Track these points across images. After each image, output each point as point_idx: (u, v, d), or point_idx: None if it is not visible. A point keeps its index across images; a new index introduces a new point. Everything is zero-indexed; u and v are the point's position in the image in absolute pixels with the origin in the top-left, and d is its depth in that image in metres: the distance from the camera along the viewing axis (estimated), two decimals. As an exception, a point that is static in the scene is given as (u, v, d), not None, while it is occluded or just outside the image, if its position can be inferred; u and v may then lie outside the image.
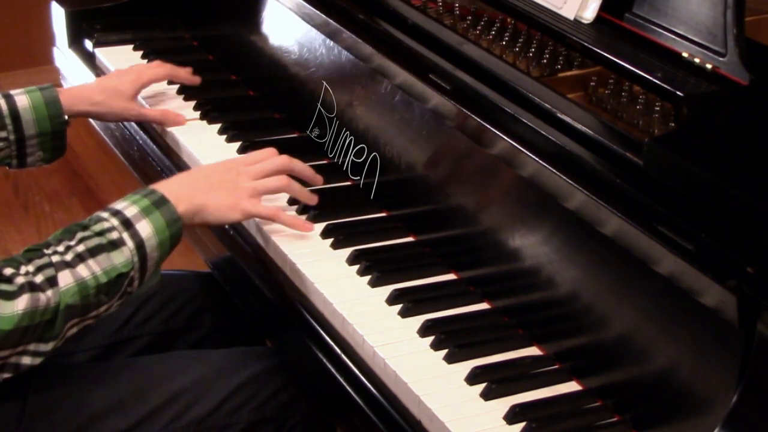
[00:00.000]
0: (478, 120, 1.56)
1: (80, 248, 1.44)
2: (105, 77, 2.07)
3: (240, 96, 2.17)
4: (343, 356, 1.49)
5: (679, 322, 1.29)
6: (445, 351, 1.46)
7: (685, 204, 1.30)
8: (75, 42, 2.37)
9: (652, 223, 1.30)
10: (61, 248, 1.44)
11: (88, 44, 2.34)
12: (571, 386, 1.43)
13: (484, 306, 1.57)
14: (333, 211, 1.75)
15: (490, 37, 1.74)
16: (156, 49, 2.30)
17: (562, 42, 1.67)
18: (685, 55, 1.55)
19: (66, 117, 1.87)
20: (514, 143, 1.50)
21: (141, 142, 2.08)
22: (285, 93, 2.06)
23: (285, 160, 1.70)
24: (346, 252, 1.65)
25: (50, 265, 1.41)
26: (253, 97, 2.17)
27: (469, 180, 1.62)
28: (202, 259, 1.86)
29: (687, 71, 1.52)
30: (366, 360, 1.48)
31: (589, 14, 1.67)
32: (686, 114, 1.43)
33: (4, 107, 1.81)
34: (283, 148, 1.95)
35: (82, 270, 1.43)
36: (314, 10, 1.92)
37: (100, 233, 1.46)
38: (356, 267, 1.62)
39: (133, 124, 2.09)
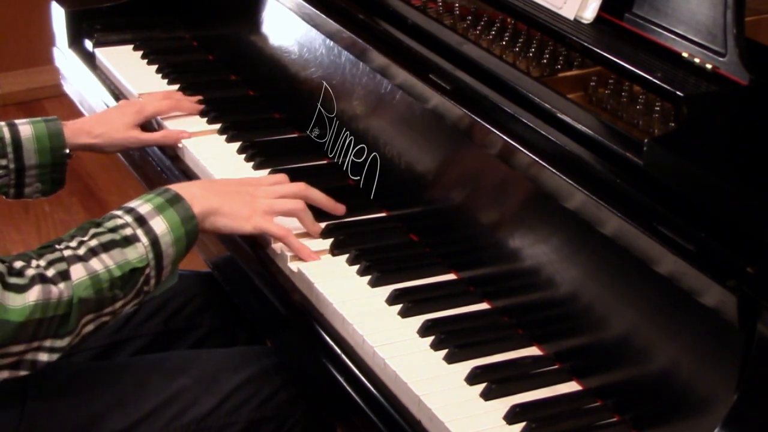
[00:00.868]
0: (478, 120, 1.56)
1: (93, 243, 1.44)
2: (108, 109, 2.07)
3: (240, 96, 2.17)
4: (343, 356, 1.49)
5: (679, 322, 1.29)
6: (445, 351, 1.46)
7: (685, 204, 1.30)
8: (75, 42, 2.37)
9: (652, 223, 1.30)
10: (73, 243, 1.44)
11: (88, 44, 2.34)
12: (571, 386, 1.43)
13: (484, 306, 1.57)
14: (333, 211, 1.75)
15: (490, 37, 1.74)
16: (156, 49, 2.30)
17: (562, 42, 1.67)
18: (685, 55, 1.55)
19: (67, 150, 1.86)
20: (514, 143, 1.50)
21: (141, 142, 2.07)
22: (285, 93, 2.06)
23: (303, 186, 1.69)
24: (346, 252, 1.65)
25: (62, 259, 1.41)
26: (253, 97, 2.17)
27: (469, 180, 1.62)
28: (202, 259, 1.86)
29: (687, 71, 1.52)
30: (366, 360, 1.48)
31: (589, 14, 1.67)
32: (686, 114, 1.43)
33: (7, 136, 1.81)
34: (283, 148, 1.96)
35: (95, 263, 1.42)
36: (314, 10, 1.92)
37: (113, 229, 1.46)
38: (356, 267, 1.62)
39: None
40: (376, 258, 1.64)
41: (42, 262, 1.40)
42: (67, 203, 3.47)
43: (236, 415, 1.61)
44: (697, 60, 1.53)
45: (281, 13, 2.05)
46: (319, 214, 1.73)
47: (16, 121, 1.83)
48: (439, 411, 1.36)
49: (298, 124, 2.02)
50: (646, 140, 1.35)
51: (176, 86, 2.16)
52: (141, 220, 1.48)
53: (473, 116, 1.56)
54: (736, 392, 1.19)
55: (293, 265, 1.63)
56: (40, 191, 1.88)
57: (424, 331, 1.50)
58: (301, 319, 1.58)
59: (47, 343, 1.40)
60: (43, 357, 1.41)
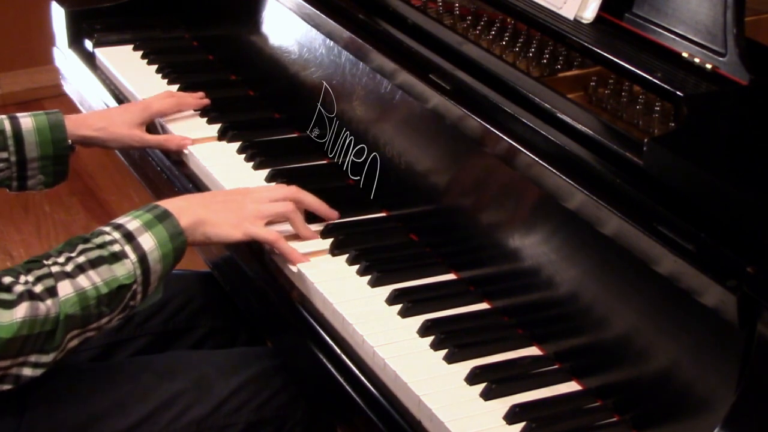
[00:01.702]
0: (478, 120, 1.56)
1: (81, 259, 1.44)
2: (113, 107, 2.07)
3: (240, 96, 2.17)
4: (343, 356, 1.49)
5: (679, 322, 1.29)
6: (445, 351, 1.46)
7: (685, 204, 1.30)
8: (75, 42, 2.37)
9: (652, 223, 1.30)
10: (61, 259, 1.44)
11: (88, 44, 2.34)
12: (571, 386, 1.43)
13: (484, 306, 1.57)
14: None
15: (490, 37, 1.74)
16: (156, 49, 2.30)
17: (562, 42, 1.67)
18: (685, 55, 1.55)
19: (69, 142, 1.86)
20: (514, 143, 1.50)
21: (141, 142, 2.07)
22: (285, 93, 2.06)
23: (294, 190, 1.69)
24: (346, 252, 1.65)
25: (50, 275, 1.41)
26: (253, 97, 2.17)
27: (469, 180, 1.62)
28: (202, 259, 1.86)
29: (687, 71, 1.52)
30: (366, 360, 1.48)
31: (589, 14, 1.67)
32: (686, 114, 1.43)
33: (8, 128, 1.81)
34: (283, 148, 1.96)
35: (83, 280, 1.42)
36: (314, 10, 1.92)
37: (102, 246, 1.46)
38: (356, 267, 1.62)
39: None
40: (376, 258, 1.64)
41: (30, 278, 1.40)
42: (67, 203, 3.47)
43: (236, 415, 1.61)
44: (697, 60, 1.53)
45: (281, 13, 2.05)
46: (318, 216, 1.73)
47: (18, 114, 1.83)
48: (439, 411, 1.36)
49: (298, 124, 2.02)
50: (646, 140, 1.35)
51: (176, 86, 2.16)
52: (129, 237, 1.48)
53: (473, 116, 1.56)
54: (736, 392, 1.19)
55: (293, 266, 1.63)
56: (42, 183, 1.88)
57: (424, 331, 1.49)
58: (301, 319, 1.58)
59: (32, 358, 1.40)
60: (27, 372, 1.41)
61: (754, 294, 1.19)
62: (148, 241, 1.48)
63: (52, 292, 1.40)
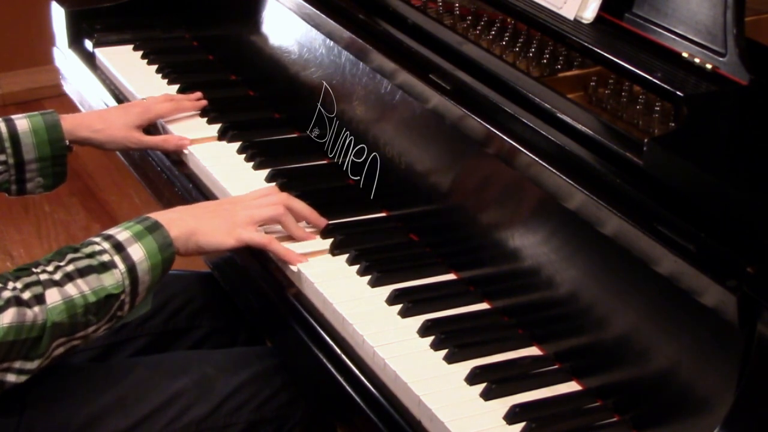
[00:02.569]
0: (478, 120, 1.56)
1: (69, 268, 1.44)
2: (111, 107, 2.07)
3: (240, 96, 2.17)
4: (343, 356, 1.49)
5: (679, 322, 1.29)
6: (445, 351, 1.46)
7: (685, 204, 1.30)
8: (75, 42, 2.37)
9: (652, 223, 1.30)
10: (50, 268, 1.44)
11: (88, 44, 2.34)
12: (571, 386, 1.43)
13: (484, 306, 1.57)
14: (333, 211, 1.75)
15: (490, 37, 1.74)
16: (156, 49, 2.30)
17: (562, 42, 1.67)
18: (685, 55, 1.55)
19: (67, 142, 1.86)
20: (514, 143, 1.50)
21: (141, 142, 2.07)
22: (285, 93, 2.06)
23: (284, 196, 1.69)
24: (346, 252, 1.65)
25: (38, 282, 1.41)
26: (253, 97, 2.17)
27: (469, 180, 1.62)
28: (202, 259, 1.86)
29: (687, 71, 1.52)
30: (366, 360, 1.48)
31: (589, 14, 1.67)
32: (686, 114, 1.43)
33: (4, 131, 1.80)
34: (283, 148, 1.96)
35: (70, 288, 1.42)
36: (314, 10, 1.92)
37: (91, 255, 1.46)
38: (356, 267, 1.62)
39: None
40: (376, 258, 1.64)
41: (18, 285, 1.40)
42: (67, 203, 3.47)
43: (236, 415, 1.61)
44: (697, 60, 1.53)
45: (281, 13, 2.05)
46: (319, 214, 1.73)
47: (13, 117, 1.83)
48: (439, 411, 1.36)
49: (298, 124, 2.02)
50: (646, 140, 1.35)
51: (176, 86, 2.16)
52: (119, 247, 1.48)
53: (473, 116, 1.56)
54: (736, 392, 1.19)
55: (292, 266, 1.63)
56: (42, 186, 1.88)
57: (424, 331, 1.49)
58: (301, 319, 1.58)
59: (17, 364, 1.40)
60: (11, 378, 1.40)
61: (754, 294, 1.19)
62: (137, 252, 1.48)
63: (39, 299, 1.40)
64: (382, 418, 1.41)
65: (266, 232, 1.66)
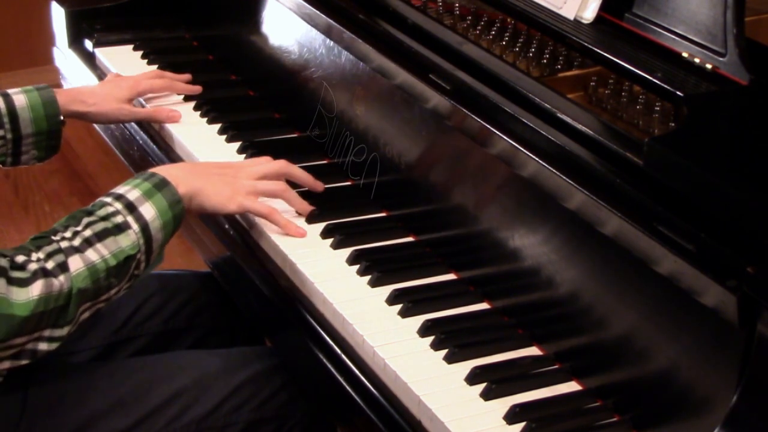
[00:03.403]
0: (478, 120, 1.56)
1: (87, 233, 1.46)
2: (102, 82, 2.09)
3: (240, 96, 2.17)
4: (343, 356, 1.49)
5: (679, 322, 1.29)
6: (445, 351, 1.46)
7: (685, 204, 1.30)
8: (75, 42, 2.37)
9: (652, 223, 1.30)
10: (68, 234, 1.46)
11: (88, 44, 2.34)
12: (571, 386, 1.43)
13: (484, 306, 1.57)
14: (333, 211, 1.75)
15: (490, 37, 1.74)
16: (156, 49, 2.30)
17: (562, 42, 1.67)
18: (685, 55, 1.55)
19: (62, 117, 1.88)
20: (514, 143, 1.50)
21: (141, 142, 2.08)
22: (285, 93, 2.06)
23: (283, 164, 1.73)
24: (346, 252, 1.65)
25: (60, 251, 1.43)
26: (253, 97, 2.17)
27: (469, 180, 1.62)
28: (202, 259, 1.86)
29: (687, 71, 1.52)
30: (366, 360, 1.48)
31: (589, 14, 1.67)
32: (686, 114, 1.43)
33: (2, 106, 1.83)
34: (283, 148, 1.96)
35: (91, 254, 1.45)
36: (314, 10, 1.92)
37: (105, 218, 1.48)
38: (356, 267, 1.62)
39: (133, 124, 2.09)
40: (376, 258, 1.64)
41: (41, 255, 1.42)
42: (67, 203, 3.47)
43: (236, 415, 1.61)
44: (697, 60, 1.53)
45: (281, 13, 2.05)
46: (319, 214, 1.73)
47: (9, 91, 1.85)
48: (439, 411, 1.36)
49: (298, 124, 2.02)
50: (646, 140, 1.35)
51: (176, 86, 2.16)
52: (131, 207, 1.50)
53: (473, 116, 1.56)
54: (736, 392, 1.19)
55: (293, 265, 1.63)
56: (36, 158, 1.91)
57: (424, 331, 1.49)
58: (301, 319, 1.58)
59: (47, 333, 1.43)
60: (43, 346, 1.43)
61: (754, 294, 1.19)
62: (149, 211, 1.51)
63: (63, 267, 1.42)
64: (382, 418, 1.41)
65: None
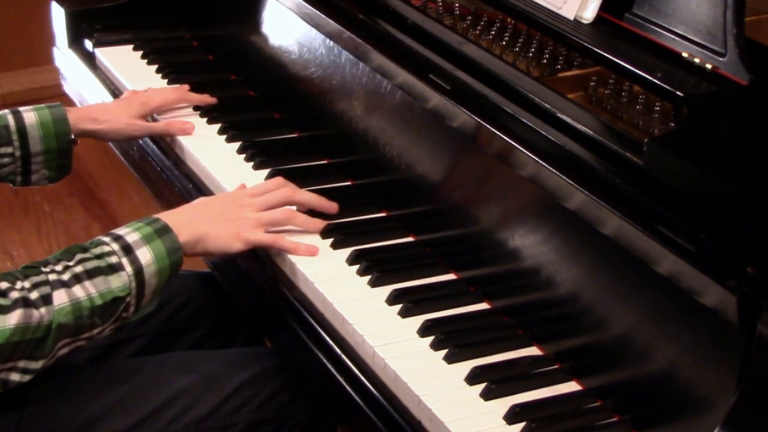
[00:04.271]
0: (478, 120, 1.56)
1: (78, 269, 1.44)
2: (115, 100, 2.08)
3: (240, 96, 2.17)
4: (343, 356, 1.49)
5: (679, 322, 1.29)
6: (445, 351, 1.46)
7: (685, 204, 1.30)
8: (75, 42, 2.37)
9: (652, 223, 1.30)
10: (59, 267, 1.44)
11: (88, 44, 2.34)
12: (571, 386, 1.43)
13: (484, 306, 1.57)
14: (333, 211, 1.75)
15: (490, 37, 1.74)
16: (156, 49, 2.30)
17: (562, 42, 1.67)
18: (685, 55, 1.54)
19: (72, 135, 1.87)
20: (514, 143, 1.50)
21: (141, 142, 2.08)
22: (285, 93, 2.06)
23: (289, 192, 1.70)
24: (346, 252, 1.65)
25: (46, 282, 1.41)
26: (253, 97, 2.17)
27: (469, 180, 1.62)
28: (202, 259, 1.86)
29: (687, 71, 1.52)
30: (366, 360, 1.48)
31: (589, 14, 1.67)
32: (686, 114, 1.43)
33: (12, 123, 1.81)
34: (283, 148, 1.96)
35: (78, 291, 1.43)
36: (314, 10, 1.92)
37: (100, 256, 1.46)
38: (356, 267, 1.62)
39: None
40: (376, 258, 1.64)
41: (27, 284, 1.40)
42: (67, 203, 3.47)
43: (236, 415, 1.61)
44: (697, 60, 1.53)
45: (281, 13, 2.05)
46: (319, 214, 1.73)
47: (20, 109, 1.84)
48: (439, 411, 1.36)
49: (298, 124, 2.02)
50: (646, 140, 1.35)
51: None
52: (127, 249, 1.48)
53: (473, 116, 1.56)
54: (736, 392, 1.19)
55: (293, 265, 1.63)
56: (46, 178, 1.89)
57: (424, 331, 1.49)
58: (301, 319, 1.58)
59: (21, 364, 1.41)
60: (15, 377, 1.41)
61: (754, 294, 1.19)
62: (145, 255, 1.49)
63: (47, 299, 1.40)
64: (382, 418, 1.41)
65: None
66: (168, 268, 1.51)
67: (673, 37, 1.57)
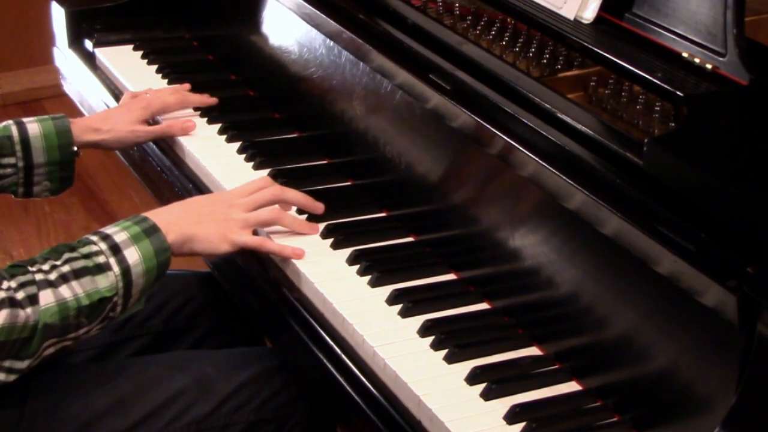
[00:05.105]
0: (478, 120, 1.56)
1: (65, 269, 1.44)
2: (114, 107, 2.07)
3: (240, 96, 2.17)
4: (343, 356, 1.49)
5: (679, 322, 1.29)
6: (445, 351, 1.46)
7: (685, 204, 1.30)
8: (75, 42, 2.37)
9: (652, 223, 1.30)
10: (46, 267, 1.44)
11: (88, 44, 2.34)
12: (571, 386, 1.43)
13: (484, 306, 1.57)
14: (333, 211, 1.75)
15: (490, 37, 1.74)
16: (156, 49, 2.30)
17: (562, 42, 1.67)
18: (685, 55, 1.54)
19: (75, 148, 1.87)
20: (514, 143, 1.50)
21: (141, 142, 2.08)
22: (285, 93, 2.06)
23: (277, 191, 1.69)
24: (346, 252, 1.65)
25: (33, 282, 1.41)
26: (253, 97, 2.17)
27: (469, 180, 1.62)
28: (202, 259, 1.86)
29: (687, 71, 1.52)
30: (366, 360, 1.48)
31: (589, 14, 1.67)
32: (686, 114, 1.43)
33: (15, 134, 1.81)
34: (283, 148, 1.96)
35: (65, 291, 1.42)
36: (314, 10, 1.92)
37: (87, 256, 1.46)
38: (356, 267, 1.62)
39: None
40: (376, 258, 1.64)
41: (13, 284, 1.40)
42: (67, 203, 3.47)
43: (236, 415, 1.61)
44: (697, 60, 1.53)
45: (281, 13, 2.05)
46: (319, 215, 1.73)
47: (24, 120, 1.83)
48: (439, 411, 1.36)
49: (298, 124, 2.02)
50: (646, 140, 1.35)
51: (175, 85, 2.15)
52: (115, 249, 1.48)
53: (473, 116, 1.56)
54: (736, 392, 1.19)
55: (293, 265, 1.63)
56: (48, 190, 1.89)
57: (424, 331, 1.49)
58: (301, 319, 1.58)
59: (6, 363, 1.41)
60: (0, 377, 1.41)
61: (754, 294, 1.19)
62: (133, 255, 1.48)
63: (33, 299, 1.40)
64: (382, 418, 1.41)
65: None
66: (156, 268, 1.51)
67: (673, 37, 1.57)
